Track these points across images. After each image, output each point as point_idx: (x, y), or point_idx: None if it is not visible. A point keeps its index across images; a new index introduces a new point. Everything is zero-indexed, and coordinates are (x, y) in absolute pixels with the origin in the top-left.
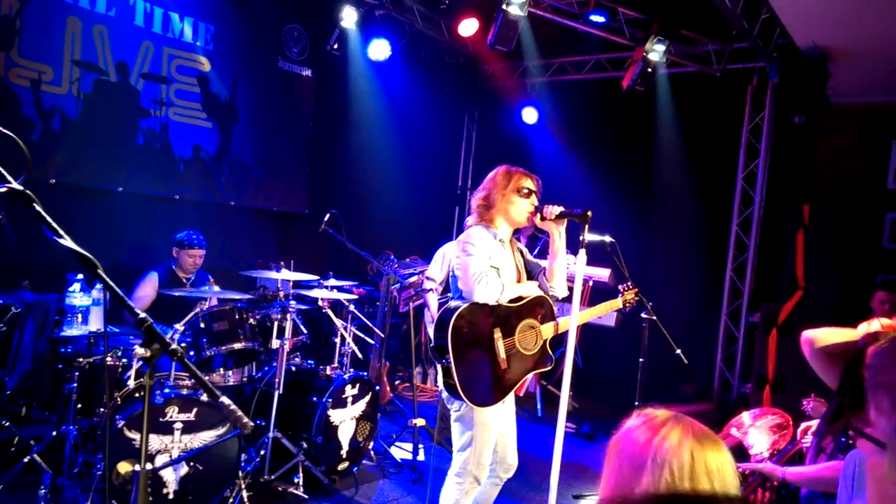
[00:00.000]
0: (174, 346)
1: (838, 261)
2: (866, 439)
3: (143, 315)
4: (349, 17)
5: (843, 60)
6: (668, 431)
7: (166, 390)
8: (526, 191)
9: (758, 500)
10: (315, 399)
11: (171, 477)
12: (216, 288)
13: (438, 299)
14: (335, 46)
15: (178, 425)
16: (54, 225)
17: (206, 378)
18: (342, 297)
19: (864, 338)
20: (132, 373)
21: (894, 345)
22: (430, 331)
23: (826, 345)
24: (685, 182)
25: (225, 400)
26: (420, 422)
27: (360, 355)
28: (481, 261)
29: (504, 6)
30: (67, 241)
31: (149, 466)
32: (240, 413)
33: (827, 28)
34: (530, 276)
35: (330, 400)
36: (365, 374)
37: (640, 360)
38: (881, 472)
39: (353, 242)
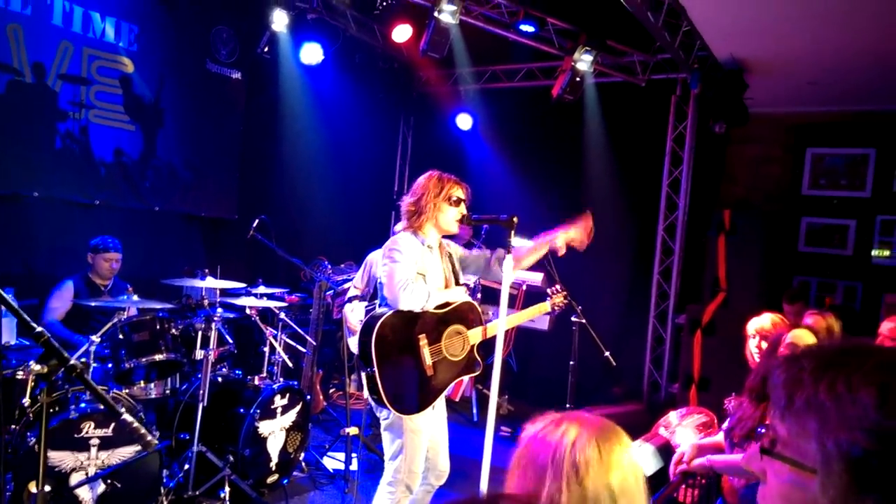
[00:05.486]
0: (73, 361)
1: (758, 264)
2: (789, 464)
3: (39, 329)
4: (280, 21)
5: (760, 72)
6: (567, 429)
7: (82, 405)
8: (456, 199)
9: (683, 499)
10: (242, 410)
11: (87, 496)
12: (135, 297)
13: (366, 307)
14: (265, 49)
15: (95, 441)
16: None
17: (126, 391)
18: (271, 304)
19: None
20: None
21: (815, 361)
22: (349, 342)
23: None
24: (613, 188)
25: (127, 417)
26: (353, 431)
27: (290, 364)
28: (407, 268)
29: (436, 14)
30: None
31: (48, 488)
32: (143, 430)
33: (743, 41)
34: (458, 282)
35: (258, 411)
36: (295, 383)
37: (571, 363)
38: (800, 500)
39: (286, 249)
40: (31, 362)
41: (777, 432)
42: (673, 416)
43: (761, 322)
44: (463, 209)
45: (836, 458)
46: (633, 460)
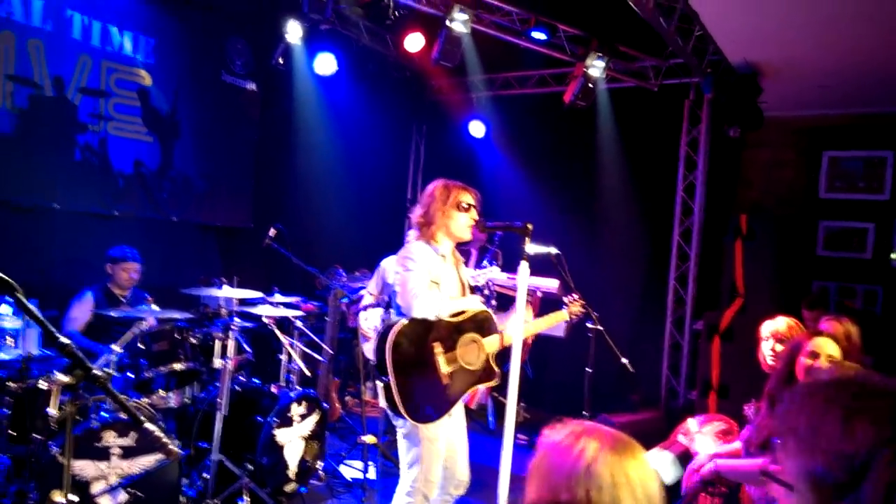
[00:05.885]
0: (96, 370)
1: (775, 268)
2: (776, 482)
3: (63, 340)
4: (294, 32)
5: (773, 76)
6: (583, 447)
7: (103, 414)
8: (465, 205)
9: None
10: (260, 419)
11: None
12: (154, 307)
13: (382, 316)
14: (280, 60)
15: (116, 450)
16: None
17: (146, 400)
18: (288, 312)
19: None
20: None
21: (802, 391)
22: (364, 348)
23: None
24: (627, 194)
25: (150, 426)
26: (370, 439)
27: (307, 372)
28: (420, 276)
29: (448, 23)
30: None
31: (74, 498)
32: (166, 440)
33: (756, 45)
34: (473, 291)
35: (276, 419)
36: (312, 391)
37: (587, 369)
38: None
39: (301, 257)
40: (55, 372)
41: (777, 453)
42: (692, 423)
43: (776, 325)
44: (474, 214)
45: (804, 476)
46: (651, 482)
